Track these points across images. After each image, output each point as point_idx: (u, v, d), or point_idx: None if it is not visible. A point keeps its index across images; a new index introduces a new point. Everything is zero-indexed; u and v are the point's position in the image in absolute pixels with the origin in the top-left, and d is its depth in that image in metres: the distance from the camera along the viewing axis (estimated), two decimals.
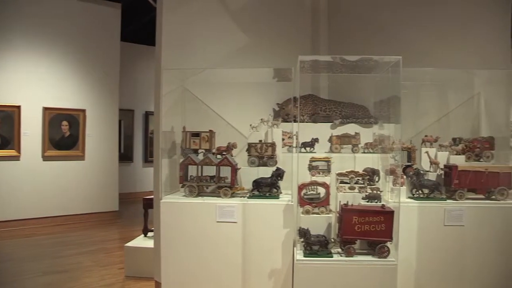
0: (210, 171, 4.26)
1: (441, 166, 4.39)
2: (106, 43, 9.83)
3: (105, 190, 9.85)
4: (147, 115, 13.56)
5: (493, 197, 4.22)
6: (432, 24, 5.36)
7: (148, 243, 5.69)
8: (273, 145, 4.38)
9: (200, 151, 4.44)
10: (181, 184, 4.28)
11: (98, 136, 9.74)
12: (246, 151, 4.44)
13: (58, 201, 9.20)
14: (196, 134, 4.40)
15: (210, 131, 4.43)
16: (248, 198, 4.11)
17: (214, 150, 4.40)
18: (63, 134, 9.29)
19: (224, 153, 4.34)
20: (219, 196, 4.15)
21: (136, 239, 6.25)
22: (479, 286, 4.11)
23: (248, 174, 4.32)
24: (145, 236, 6.25)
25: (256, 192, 4.14)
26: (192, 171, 4.27)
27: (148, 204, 6.17)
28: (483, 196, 4.27)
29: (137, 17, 11.51)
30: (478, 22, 5.16)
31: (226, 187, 4.17)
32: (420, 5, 5.48)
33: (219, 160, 4.24)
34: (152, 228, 5.56)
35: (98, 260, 6.49)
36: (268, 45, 5.55)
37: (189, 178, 4.27)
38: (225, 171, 4.22)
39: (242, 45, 5.40)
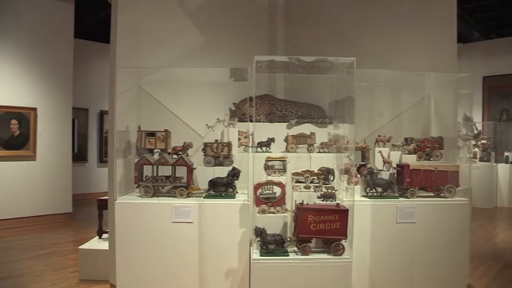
0: (165, 171, 4.21)
1: (394, 165, 4.52)
2: (59, 39, 9.51)
3: (58, 191, 9.54)
4: (102, 114, 13.26)
5: (442, 194, 4.38)
6: (386, 27, 5.51)
7: (103, 245, 5.57)
8: (229, 144, 4.37)
9: (155, 151, 4.38)
10: (136, 185, 4.21)
11: (50, 135, 9.42)
12: (202, 150, 4.41)
13: (8, 203, 8.84)
14: (152, 134, 4.34)
15: (166, 130, 4.38)
16: (204, 198, 4.09)
17: (169, 150, 4.35)
18: (12, 133, 8.94)
19: (179, 153, 4.30)
20: (175, 196, 4.11)
21: (91, 241, 6.10)
22: (430, 280, 4.26)
23: (204, 174, 4.29)
24: (100, 238, 6.11)
25: (212, 192, 4.12)
26: (148, 171, 4.21)
27: (103, 205, 6.03)
28: (433, 194, 4.43)
29: (92, 13, 11.23)
30: (428, 27, 5.35)
31: (182, 187, 4.14)
32: (375, 8, 5.62)
33: (174, 160, 4.20)
34: (107, 230, 5.44)
35: (50, 264, 6.28)
36: (225, 45, 5.55)
37: (144, 178, 4.21)
38: (181, 171, 4.18)
39: (198, 44, 5.37)
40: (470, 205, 4.74)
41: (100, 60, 12.55)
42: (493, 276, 6.21)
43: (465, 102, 5.93)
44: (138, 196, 4.16)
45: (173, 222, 3.98)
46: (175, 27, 5.20)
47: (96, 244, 5.86)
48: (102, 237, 6.08)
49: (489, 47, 13.92)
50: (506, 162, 12.83)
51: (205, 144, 4.39)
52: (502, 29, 14.31)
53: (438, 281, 4.29)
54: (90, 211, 10.11)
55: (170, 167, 4.17)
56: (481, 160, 12.33)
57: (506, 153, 12.99)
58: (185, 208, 3.98)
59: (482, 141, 12.57)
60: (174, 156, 4.28)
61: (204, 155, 4.40)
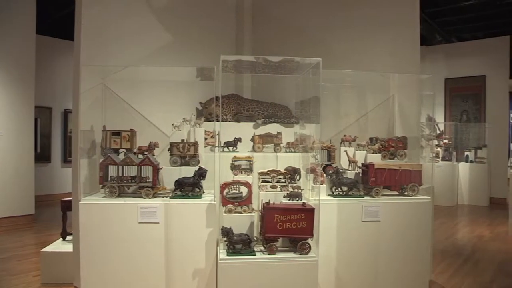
0: (131, 171, 4.16)
1: (359, 164, 4.60)
2: (20, 35, 9.22)
3: (20, 192, 9.25)
4: (66, 113, 12.94)
5: (406, 193, 4.48)
6: (352, 29, 5.61)
7: (67, 247, 5.44)
8: (195, 144, 4.36)
9: (121, 150, 4.32)
10: (101, 185, 4.14)
11: (11, 135, 9.13)
12: (168, 150, 4.38)
13: None
14: (117, 133, 4.28)
15: (131, 130, 4.32)
16: (170, 198, 4.06)
17: (135, 150, 4.30)
18: None
19: (145, 152, 4.25)
20: (141, 197, 4.07)
21: (54, 243, 5.94)
22: (394, 276, 4.36)
23: (170, 174, 4.27)
24: (64, 240, 5.97)
25: (178, 192, 4.10)
26: (113, 171, 4.15)
27: (67, 206, 5.88)
28: (397, 193, 4.53)
29: (55, 9, 10.96)
30: (392, 30, 5.47)
31: (148, 187, 4.10)
32: (341, 10, 5.71)
33: (140, 160, 4.15)
34: (71, 232, 5.33)
35: (10, 269, 6.09)
36: (192, 44, 5.52)
37: (109, 179, 4.14)
38: (147, 171, 4.14)
39: (165, 43, 5.32)
40: (432, 203, 4.87)
41: (64, 57, 12.22)
42: (454, 271, 6.41)
43: (428, 103, 6.09)
44: (103, 197, 4.09)
45: (139, 222, 3.93)
46: (141, 25, 5.14)
47: (60, 246, 5.72)
48: (66, 239, 5.94)
49: (451, 50, 14.33)
50: (466, 161, 13.24)
51: (171, 144, 4.36)
52: (462, 33, 14.78)
53: (401, 277, 4.39)
54: (54, 212, 9.85)
55: (136, 167, 4.12)
56: (443, 159, 12.68)
57: (466, 153, 13.40)
58: (151, 209, 3.94)
59: (444, 141, 12.92)
60: (140, 156, 4.23)
61: (170, 155, 4.37)
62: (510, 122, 12.92)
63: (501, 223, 9.90)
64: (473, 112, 14.00)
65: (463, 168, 13.16)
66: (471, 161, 13.19)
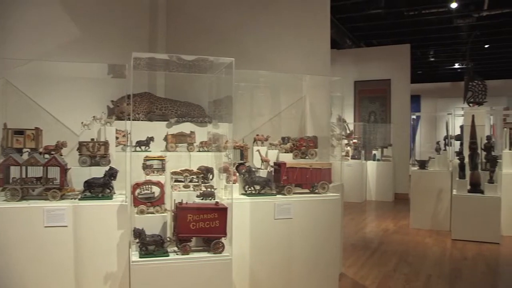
0: (36, 172, 3.92)
1: (271, 163, 4.70)
2: None
3: None
4: None
5: (316, 191, 4.65)
6: (265, 31, 5.74)
7: None
8: (106, 144, 4.22)
9: (24, 150, 4.08)
10: (1, 188, 3.87)
11: None
12: (77, 150, 4.20)
13: None
14: (20, 132, 4.03)
15: (36, 128, 4.10)
16: (79, 199, 3.89)
17: (41, 150, 4.08)
18: None
19: (52, 152, 4.04)
20: (47, 199, 3.85)
21: None
22: (306, 271, 4.51)
23: (79, 175, 4.08)
24: None
25: (88, 193, 3.93)
26: (15, 172, 3.88)
27: None
28: (308, 190, 4.67)
29: None
30: (304, 33, 5.68)
31: (55, 189, 3.89)
32: (255, 11, 5.81)
33: (46, 160, 3.94)
34: None
35: None
36: (103, 40, 5.34)
37: (11, 181, 3.88)
38: (54, 172, 3.92)
39: (75, 37, 5.09)
40: (342, 200, 5.12)
41: None
42: (362, 263, 6.78)
43: (338, 104, 6.39)
44: (4, 200, 3.81)
45: (45, 226, 3.71)
46: (49, 18, 4.87)
47: None
48: None
49: (360, 54, 15.11)
50: (374, 160, 14.02)
51: (80, 143, 4.18)
52: (370, 39, 15.65)
53: (313, 271, 4.55)
54: None
55: (41, 167, 3.91)
56: (352, 158, 13.31)
57: (374, 152, 14.20)
58: (58, 211, 3.75)
59: (354, 141, 13.58)
60: (46, 156, 4.01)
61: (79, 154, 4.19)
62: (411, 123, 13.86)
63: (403, 217, 10.61)
64: (379, 113, 14.86)
65: (371, 166, 13.91)
66: (378, 160, 13.99)
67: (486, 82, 9.26)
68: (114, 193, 4.03)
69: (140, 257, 3.52)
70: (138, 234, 3.55)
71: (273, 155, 4.80)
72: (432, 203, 9.40)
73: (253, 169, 4.47)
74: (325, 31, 5.83)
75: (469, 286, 5.83)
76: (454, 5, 11.15)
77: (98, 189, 3.95)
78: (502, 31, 14.35)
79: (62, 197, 3.92)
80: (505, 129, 9.35)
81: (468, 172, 8.47)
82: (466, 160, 8.53)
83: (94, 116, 4.38)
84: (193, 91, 5.35)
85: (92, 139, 4.24)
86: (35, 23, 4.74)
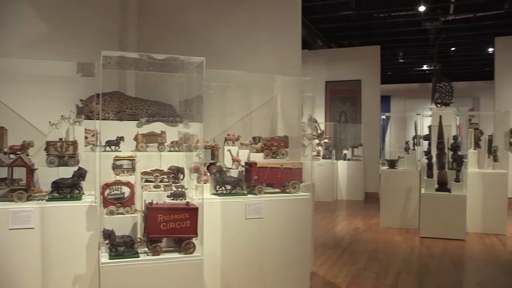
0: (1, 172, 3.81)
1: (242, 163, 4.70)
2: None
3: None
4: None
5: (287, 190, 4.68)
6: (237, 30, 5.74)
7: None
8: (74, 143, 4.14)
9: None
10: None
11: None
12: (45, 150, 4.11)
13: None
14: None
15: (1, 128, 3.99)
16: (46, 201, 3.80)
17: (6, 149, 3.97)
18: None
19: (18, 152, 3.94)
20: (13, 201, 3.75)
21: None
22: (277, 270, 4.53)
23: (47, 175, 3.98)
24: None
25: (55, 194, 3.85)
26: None
27: None
28: (279, 190, 4.69)
29: None
30: (276, 33, 5.70)
31: (21, 190, 3.80)
32: (226, 11, 5.81)
33: (12, 160, 3.84)
34: None
35: None
36: (72, 38, 5.21)
37: None
38: (20, 172, 3.82)
39: (42, 34, 4.95)
40: (312, 199, 5.16)
41: None
42: (333, 261, 6.86)
43: (309, 104, 6.44)
44: None
45: (10, 229, 3.60)
46: (16, 14, 4.74)
47: None
48: None
49: (331, 55, 15.27)
50: (344, 159, 14.20)
51: (48, 143, 4.09)
52: (341, 40, 15.84)
53: (284, 270, 4.57)
54: None
55: (6, 168, 3.80)
56: (324, 157, 13.45)
57: (344, 151, 14.38)
58: (24, 213, 3.65)
59: (325, 140, 13.72)
60: (12, 156, 3.91)
61: (47, 154, 4.09)
62: (381, 123, 14.11)
63: (373, 216, 10.79)
64: (350, 114, 15.05)
65: (342, 165, 14.08)
66: (348, 159, 14.18)
67: (453, 84, 9.51)
68: (83, 194, 3.95)
69: (109, 259, 3.48)
70: (108, 235, 3.50)
71: (244, 155, 4.81)
72: (401, 202, 9.59)
73: (224, 169, 4.47)
74: (297, 32, 5.87)
75: (436, 282, 5.98)
76: (422, 8, 11.38)
77: (67, 190, 3.87)
78: (467, 35, 14.77)
79: (29, 198, 3.83)
80: (470, 129, 9.62)
81: (435, 171, 8.68)
82: (434, 159, 8.73)
83: (62, 115, 4.29)
84: (163, 91, 5.30)
85: (60, 139, 4.16)
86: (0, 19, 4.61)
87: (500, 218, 8.98)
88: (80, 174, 3.90)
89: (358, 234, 9.03)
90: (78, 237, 3.75)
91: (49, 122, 4.22)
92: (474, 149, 9.45)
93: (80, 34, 5.30)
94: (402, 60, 19.16)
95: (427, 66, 20.12)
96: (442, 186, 8.60)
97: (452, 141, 8.65)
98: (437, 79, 9.60)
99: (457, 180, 8.49)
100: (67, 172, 3.96)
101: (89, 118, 4.68)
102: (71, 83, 4.97)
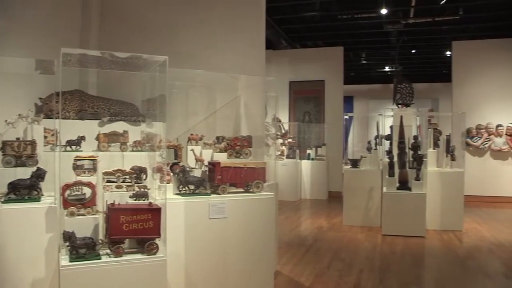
0: None
1: (206, 163, 4.69)
2: None
3: None
4: None
5: (251, 190, 4.69)
6: (202, 30, 5.70)
7: None
8: (33, 143, 4.02)
9: None
10: None
11: None
12: (1, 150, 3.97)
13: None
14: None
15: None
16: (2, 202, 3.67)
17: None
18: None
19: None
20: None
21: None
22: (241, 270, 4.54)
23: (3, 176, 3.84)
24: None
25: (12, 196, 3.72)
26: None
27: None
28: (242, 190, 4.70)
29: None
30: (239, 32, 5.70)
31: None
32: (190, 9, 5.76)
33: None
34: None
35: None
36: (30, 33, 5.06)
37: None
38: None
39: None
40: (276, 198, 5.18)
41: None
42: (297, 260, 6.92)
43: (273, 104, 6.47)
44: None
45: None
46: None
47: None
48: None
49: (295, 55, 15.40)
50: (308, 159, 14.35)
51: (4, 143, 3.95)
52: (305, 41, 16.01)
53: (248, 270, 4.59)
54: None
55: None
56: (287, 157, 13.54)
57: (308, 151, 14.54)
58: None
59: (289, 140, 13.83)
60: None
61: (3, 154, 3.95)
62: (344, 123, 14.33)
63: (337, 214, 10.94)
64: (314, 114, 15.22)
65: (306, 165, 14.22)
66: (312, 159, 14.33)
67: (413, 85, 9.77)
68: (42, 195, 3.84)
69: (70, 261, 3.39)
70: (68, 237, 3.42)
71: (207, 155, 4.79)
72: (364, 201, 9.78)
73: (187, 169, 4.44)
74: (261, 31, 5.89)
75: (396, 278, 6.12)
76: (384, 11, 11.64)
77: (24, 191, 3.75)
78: (427, 38, 15.22)
79: None
80: (429, 129, 9.91)
81: (397, 170, 8.88)
82: (395, 159, 8.93)
83: (19, 114, 4.15)
84: (126, 90, 5.20)
85: (18, 138, 4.02)
86: None
87: (457, 215, 9.29)
88: (39, 175, 3.80)
89: (321, 233, 9.14)
90: (37, 240, 3.64)
91: (6, 121, 4.07)
92: (433, 149, 9.74)
93: (40, 31, 5.16)
94: (364, 61, 19.56)
95: (389, 68, 20.61)
96: (403, 184, 8.81)
97: (413, 140, 8.88)
98: (398, 81, 9.85)
99: (417, 178, 8.72)
100: (25, 173, 3.84)
101: (48, 117, 4.55)
102: (30, 80, 4.82)
